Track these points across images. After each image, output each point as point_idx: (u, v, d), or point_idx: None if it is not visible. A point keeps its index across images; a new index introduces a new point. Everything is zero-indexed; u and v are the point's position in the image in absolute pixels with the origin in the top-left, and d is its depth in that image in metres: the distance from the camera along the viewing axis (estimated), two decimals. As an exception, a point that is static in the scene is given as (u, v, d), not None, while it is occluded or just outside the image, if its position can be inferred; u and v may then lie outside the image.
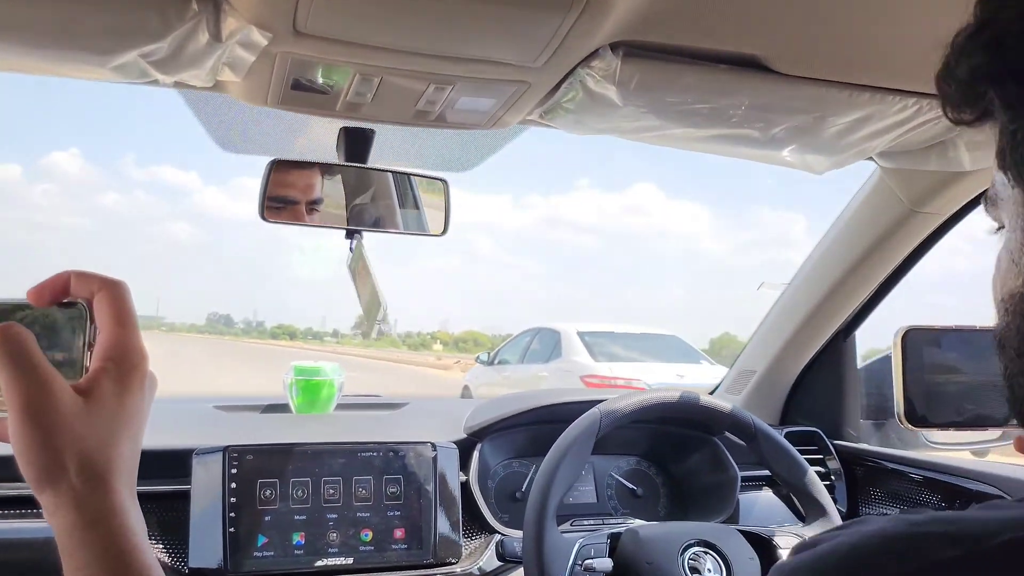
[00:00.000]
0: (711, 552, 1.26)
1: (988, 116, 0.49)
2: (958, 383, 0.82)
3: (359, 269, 1.31)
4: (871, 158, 1.31)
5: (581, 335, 9.48)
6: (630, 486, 1.71)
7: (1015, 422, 0.74)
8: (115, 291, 0.60)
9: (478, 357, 12.24)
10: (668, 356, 9.48)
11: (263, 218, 1.23)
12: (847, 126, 1.12)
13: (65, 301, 0.60)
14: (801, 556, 0.50)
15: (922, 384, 0.80)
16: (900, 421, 0.80)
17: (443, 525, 1.41)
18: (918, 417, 0.81)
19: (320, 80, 1.00)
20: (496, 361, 10.97)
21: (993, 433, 1.81)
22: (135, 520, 0.58)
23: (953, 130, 1.15)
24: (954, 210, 1.42)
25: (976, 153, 1.17)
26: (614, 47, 0.96)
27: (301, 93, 1.04)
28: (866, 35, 0.97)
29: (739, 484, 1.63)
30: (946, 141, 1.19)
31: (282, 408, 1.70)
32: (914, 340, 0.81)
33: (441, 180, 1.35)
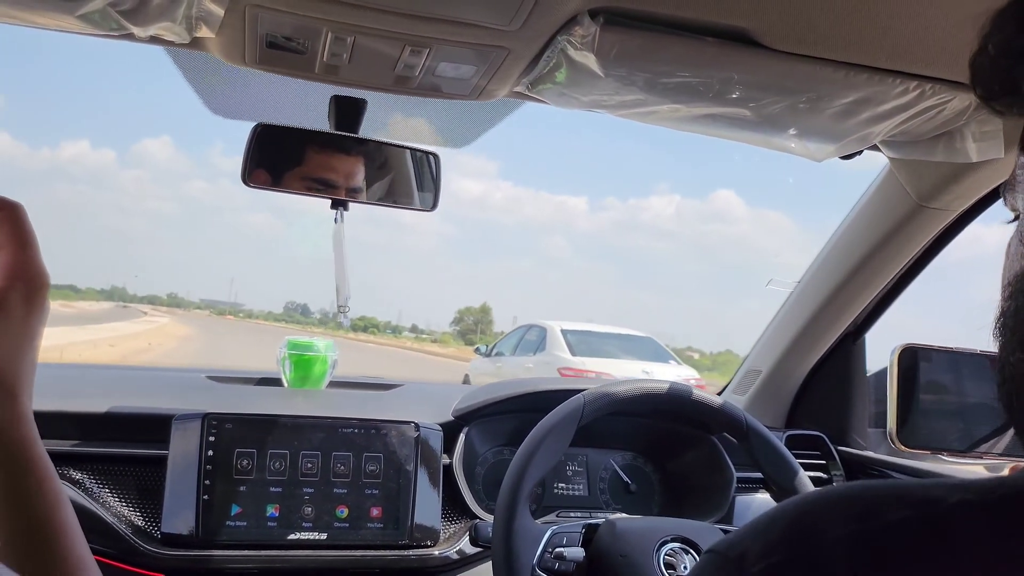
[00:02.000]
0: (690, 549, 1.21)
1: (1017, 96, 0.47)
2: (955, 407, 0.79)
3: (339, 245, 1.29)
4: (877, 148, 1.26)
5: (564, 332, 10.62)
6: (625, 479, 1.67)
7: (1012, 452, 0.70)
8: (16, 214, 0.61)
9: (477, 348, 13.77)
10: (641, 355, 10.60)
11: (245, 183, 1.22)
12: (845, 108, 1.07)
13: None
14: (750, 522, 0.49)
15: (917, 404, 0.77)
16: (891, 441, 0.77)
17: (421, 507, 1.39)
18: (911, 438, 0.77)
19: (294, 38, 0.98)
20: (493, 353, 12.17)
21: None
22: (35, 430, 0.61)
23: (960, 119, 1.09)
24: (963, 207, 1.35)
25: (983, 144, 1.10)
26: (593, 13, 0.92)
27: (277, 52, 1.02)
28: (862, 12, 0.92)
29: (735, 485, 1.59)
30: (953, 131, 1.13)
31: (275, 382, 1.69)
32: (911, 359, 0.78)
33: (432, 154, 1.33)
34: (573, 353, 10.19)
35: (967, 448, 0.79)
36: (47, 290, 0.62)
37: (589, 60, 0.97)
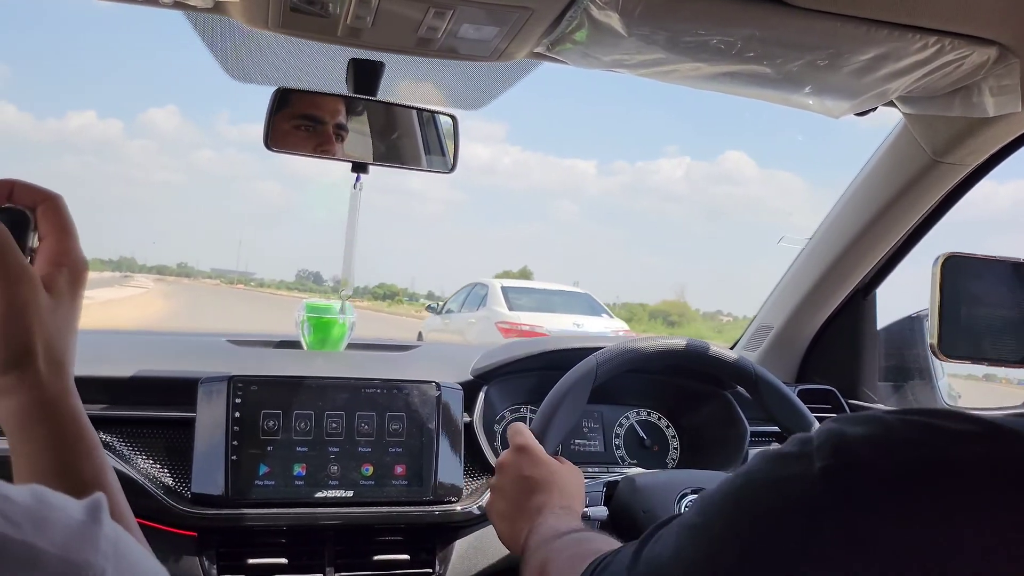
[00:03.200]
0: None
1: None
2: (998, 317, 0.78)
3: (354, 213, 1.31)
4: (893, 104, 1.27)
5: (504, 289, 11.61)
6: (640, 434, 1.70)
7: None
8: (60, 203, 0.67)
9: (428, 306, 14.90)
10: (577, 309, 11.53)
11: (268, 147, 1.22)
12: (864, 65, 1.08)
13: (6, 207, 0.65)
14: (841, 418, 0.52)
15: (959, 314, 0.76)
16: (933, 352, 0.77)
17: (444, 464, 1.41)
18: (952, 349, 0.77)
19: (317, 1, 0.99)
20: (444, 310, 13.10)
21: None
22: (80, 401, 0.66)
23: (978, 73, 1.10)
24: (978, 162, 1.36)
25: (1000, 98, 1.11)
26: (618, -28, 0.93)
27: (301, 16, 1.03)
28: None
29: (748, 439, 1.61)
30: (970, 85, 1.14)
31: (295, 345, 1.71)
32: (954, 268, 0.77)
33: (451, 116, 1.33)
34: (510, 308, 11.07)
35: (1010, 358, 0.78)
36: (87, 273, 0.68)
37: (612, 19, 0.98)
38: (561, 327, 10.51)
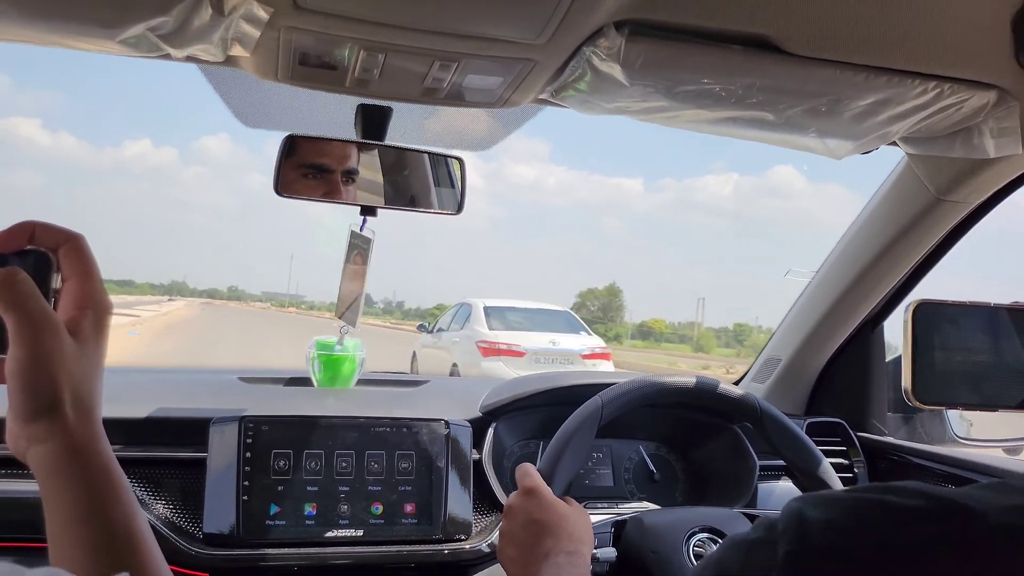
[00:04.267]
0: (717, 539, 1.24)
1: None
2: (971, 361, 0.79)
3: (356, 255, 1.32)
4: (895, 144, 1.28)
5: (485, 308, 12.02)
6: (650, 467, 1.70)
7: None
8: (82, 244, 0.66)
9: (420, 326, 15.54)
10: (555, 327, 12.00)
11: (278, 193, 1.24)
12: (865, 109, 1.09)
13: (28, 249, 0.65)
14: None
15: (932, 360, 0.77)
16: (907, 398, 0.78)
17: (453, 502, 1.42)
18: (926, 395, 0.77)
19: (326, 56, 1.01)
20: (436, 330, 13.62)
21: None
22: (109, 445, 0.66)
23: (978, 116, 1.11)
24: (980, 200, 1.37)
25: (1000, 140, 1.12)
26: (618, 25, 0.94)
27: (310, 69, 1.05)
28: (881, 16, 0.95)
29: (757, 473, 1.61)
30: (971, 127, 1.15)
31: (305, 382, 1.72)
32: (926, 314, 0.78)
33: (457, 159, 1.35)
34: (490, 327, 11.61)
35: (984, 402, 0.79)
36: (111, 315, 0.67)
37: (614, 70, 1.00)
38: (538, 344, 11.23)
